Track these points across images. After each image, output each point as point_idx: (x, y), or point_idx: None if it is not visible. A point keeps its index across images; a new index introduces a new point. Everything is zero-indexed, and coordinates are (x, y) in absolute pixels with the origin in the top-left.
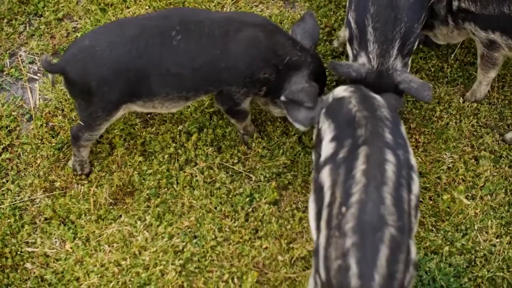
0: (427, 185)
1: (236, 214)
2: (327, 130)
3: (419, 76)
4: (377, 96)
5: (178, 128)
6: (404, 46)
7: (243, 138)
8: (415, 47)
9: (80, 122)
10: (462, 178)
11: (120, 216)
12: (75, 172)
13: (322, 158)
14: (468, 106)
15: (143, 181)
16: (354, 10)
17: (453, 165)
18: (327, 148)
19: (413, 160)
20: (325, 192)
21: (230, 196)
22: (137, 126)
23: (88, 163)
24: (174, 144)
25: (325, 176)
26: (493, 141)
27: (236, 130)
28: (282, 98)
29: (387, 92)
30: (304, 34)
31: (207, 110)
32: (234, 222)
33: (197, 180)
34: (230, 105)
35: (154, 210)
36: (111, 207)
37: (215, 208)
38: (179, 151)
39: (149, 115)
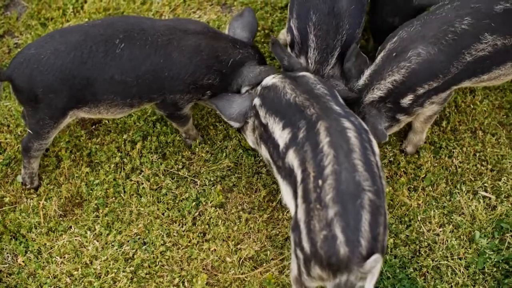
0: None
1: (184, 219)
2: (274, 124)
3: None
4: (305, 73)
5: (123, 138)
6: (344, 53)
7: (185, 142)
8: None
9: (29, 131)
10: (403, 170)
11: (70, 227)
12: (24, 186)
13: (282, 145)
14: None
15: (91, 191)
16: (296, 17)
17: (394, 159)
18: (283, 136)
19: (363, 123)
20: (296, 172)
21: (177, 202)
22: (82, 138)
23: (37, 176)
24: (119, 154)
25: (292, 158)
26: (432, 133)
27: (179, 136)
28: (243, 90)
29: None
30: (243, 27)
31: (150, 118)
32: (182, 227)
33: (143, 188)
34: (172, 110)
35: (103, 219)
36: (61, 219)
37: (163, 214)
38: (125, 160)
39: (93, 126)
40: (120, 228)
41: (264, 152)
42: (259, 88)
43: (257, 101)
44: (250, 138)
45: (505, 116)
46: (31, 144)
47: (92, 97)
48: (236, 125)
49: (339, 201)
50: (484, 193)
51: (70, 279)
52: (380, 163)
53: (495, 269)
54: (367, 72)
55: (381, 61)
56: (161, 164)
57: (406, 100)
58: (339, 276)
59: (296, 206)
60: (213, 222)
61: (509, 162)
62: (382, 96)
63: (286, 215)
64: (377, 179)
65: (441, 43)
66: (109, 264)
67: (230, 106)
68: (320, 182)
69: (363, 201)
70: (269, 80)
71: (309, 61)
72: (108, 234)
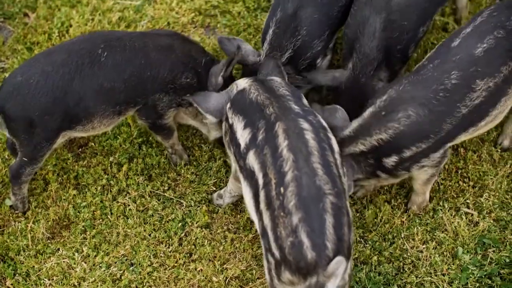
0: (354, 199)
1: (170, 240)
2: (237, 123)
3: None
4: (274, 77)
5: (109, 160)
6: (298, 59)
7: (171, 158)
8: (318, 64)
9: (23, 158)
10: (386, 189)
11: (58, 249)
12: (13, 211)
13: (242, 145)
14: None
15: (78, 213)
16: (270, 10)
17: None
18: (243, 135)
19: (323, 120)
20: (257, 175)
21: (163, 223)
22: (69, 161)
23: (27, 199)
24: (106, 176)
25: (252, 160)
26: None
27: (165, 157)
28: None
29: None
30: None
31: (136, 140)
32: (169, 247)
33: (130, 209)
34: (154, 118)
35: (91, 241)
36: (48, 241)
37: (149, 235)
38: (111, 182)
39: (80, 149)
40: (107, 249)
41: (229, 152)
42: (235, 89)
43: (228, 105)
44: (225, 144)
45: (486, 133)
46: (23, 170)
47: (85, 112)
48: (212, 119)
49: (302, 207)
50: (466, 210)
51: None
52: (340, 160)
53: (478, 284)
54: (354, 125)
55: (369, 117)
56: (147, 185)
57: (390, 161)
58: (309, 279)
59: (260, 212)
60: (199, 243)
61: (491, 179)
62: (364, 151)
63: None
64: (337, 180)
65: (432, 103)
66: (97, 286)
67: (207, 100)
68: (282, 189)
69: (325, 205)
70: (242, 83)
71: (262, 53)
72: (95, 256)
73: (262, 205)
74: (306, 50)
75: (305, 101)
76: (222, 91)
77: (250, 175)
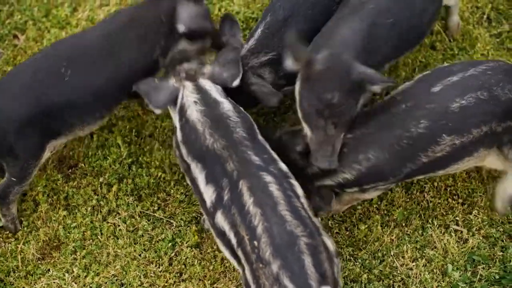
0: (343, 217)
1: (160, 260)
2: (197, 171)
3: None
4: (230, 112)
5: (99, 181)
6: (280, 64)
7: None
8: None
9: (11, 178)
10: (376, 207)
11: (49, 270)
12: (3, 231)
13: (208, 203)
14: None
15: (68, 234)
16: (261, 16)
17: None
18: (208, 193)
19: (283, 165)
20: (228, 235)
21: (153, 243)
22: (59, 182)
23: (17, 219)
24: (96, 196)
25: (222, 221)
26: None
27: (155, 178)
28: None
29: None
30: None
31: (125, 161)
32: (159, 267)
33: (120, 230)
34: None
35: (81, 262)
36: (39, 262)
37: (140, 255)
38: (101, 202)
39: (70, 170)
40: (97, 270)
41: (189, 182)
42: (181, 97)
43: (179, 135)
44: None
45: None
46: (11, 189)
47: (64, 125)
48: (158, 111)
49: (278, 255)
50: (455, 227)
51: None
52: (307, 203)
53: None
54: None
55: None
56: (137, 206)
57: (351, 190)
58: None
59: (242, 266)
60: (189, 262)
61: (479, 196)
62: (332, 185)
63: None
64: (307, 221)
65: (394, 149)
66: None
67: (153, 91)
68: (255, 243)
69: (300, 247)
70: (190, 107)
71: (245, 46)
72: (86, 276)
73: (243, 261)
74: None
75: (260, 138)
76: (164, 81)
77: (221, 234)
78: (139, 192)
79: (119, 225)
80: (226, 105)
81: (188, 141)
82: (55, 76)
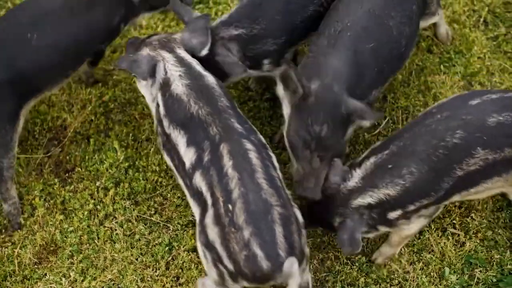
0: None
1: (157, 264)
2: (178, 137)
3: None
4: (213, 84)
5: (96, 185)
6: (248, 44)
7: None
8: (265, 64)
9: None
10: None
11: (45, 274)
12: (13, 222)
13: (188, 165)
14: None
15: (65, 238)
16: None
17: None
18: (188, 154)
19: (262, 137)
20: (205, 196)
21: (150, 247)
22: (55, 186)
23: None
24: (92, 201)
25: (200, 181)
26: None
27: (151, 182)
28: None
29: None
30: None
31: (122, 165)
32: (156, 271)
33: (117, 234)
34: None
35: (78, 266)
36: (35, 266)
37: (136, 259)
38: (98, 206)
39: (67, 174)
40: (94, 274)
41: (166, 159)
42: (161, 73)
43: (162, 110)
44: (160, 147)
45: None
46: (1, 164)
47: (34, 88)
48: (144, 82)
49: (251, 222)
50: (453, 230)
51: None
52: (282, 176)
53: None
54: (357, 175)
55: (374, 168)
56: (133, 210)
57: (394, 215)
58: (267, 284)
59: (206, 226)
60: (186, 266)
61: (477, 199)
62: (372, 204)
63: None
64: (282, 192)
65: (431, 160)
66: None
67: (135, 64)
68: (230, 206)
69: (273, 216)
70: (174, 82)
71: (218, 19)
72: (83, 281)
73: (210, 220)
74: (258, 41)
75: (239, 110)
76: (143, 53)
77: (197, 194)
78: (136, 196)
79: (116, 229)
80: (210, 78)
81: (170, 112)
82: (22, 42)
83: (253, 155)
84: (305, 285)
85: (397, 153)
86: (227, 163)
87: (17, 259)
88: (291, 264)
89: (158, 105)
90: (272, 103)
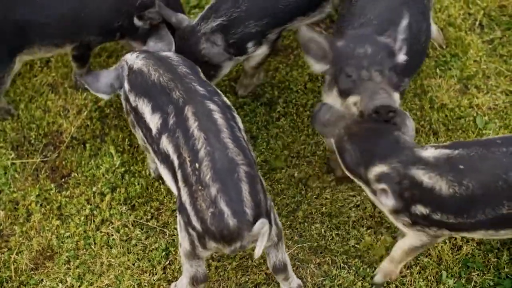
0: (337, 224)
1: (154, 269)
2: (143, 106)
3: None
4: (169, 54)
5: (92, 190)
6: (229, 31)
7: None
8: (249, 48)
9: None
10: (370, 214)
11: (42, 280)
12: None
13: (154, 130)
14: None
15: (61, 244)
16: None
17: (361, 203)
18: (153, 120)
19: (226, 99)
20: (172, 158)
21: (147, 252)
22: (52, 191)
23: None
24: (89, 206)
25: (166, 144)
26: None
27: (147, 186)
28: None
29: (193, 56)
30: None
31: (118, 170)
32: (153, 276)
33: (113, 239)
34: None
35: (75, 271)
36: (32, 272)
37: (133, 264)
38: (95, 212)
39: (63, 179)
40: (91, 279)
41: (138, 136)
42: (125, 67)
43: (126, 86)
44: (129, 123)
45: None
46: None
47: (26, 41)
48: (105, 97)
49: (218, 179)
50: None
51: None
52: (246, 137)
53: None
54: (431, 152)
55: (447, 159)
56: (130, 215)
57: (421, 210)
58: (234, 244)
59: (178, 189)
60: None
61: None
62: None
63: (255, 262)
64: (247, 152)
65: (488, 185)
66: None
67: (97, 80)
68: (197, 165)
69: (239, 174)
70: (134, 62)
71: (198, 16)
72: (79, 286)
73: (180, 183)
74: (239, 25)
75: (202, 75)
76: (110, 68)
77: (165, 158)
78: (132, 201)
79: (112, 235)
80: (167, 51)
81: (134, 85)
82: None
83: (217, 116)
84: (280, 266)
85: (468, 160)
86: (193, 124)
87: (13, 265)
88: (262, 225)
89: (124, 86)
90: (268, 108)
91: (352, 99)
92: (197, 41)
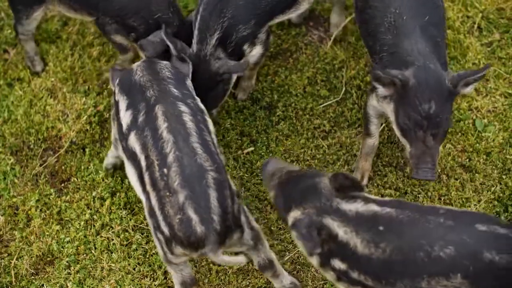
0: None
1: (155, 273)
2: (121, 102)
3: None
4: (163, 62)
5: (92, 195)
6: (226, 41)
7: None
8: (245, 50)
9: (14, 19)
10: None
11: (42, 285)
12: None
13: (124, 126)
14: None
15: (62, 249)
16: None
17: None
18: (125, 117)
19: (201, 104)
20: (139, 157)
21: (147, 256)
22: (51, 196)
23: (39, 61)
24: (89, 211)
25: (134, 141)
26: (397, 179)
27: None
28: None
29: (210, 79)
30: None
31: (118, 174)
32: (154, 281)
33: (114, 244)
34: (103, 30)
35: (75, 276)
36: (32, 277)
37: (134, 269)
38: (95, 216)
39: (62, 184)
40: (92, 284)
41: (113, 130)
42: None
43: (117, 81)
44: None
45: (467, 160)
46: (16, 28)
47: None
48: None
49: (186, 186)
50: None
51: None
52: (216, 140)
53: None
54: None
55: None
56: (130, 219)
57: (337, 264)
58: (200, 250)
59: (147, 193)
60: None
61: (474, 205)
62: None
63: (256, 266)
64: (216, 157)
65: (406, 252)
66: None
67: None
68: (165, 170)
69: (207, 180)
70: (135, 64)
71: (193, 41)
72: None
73: (148, 187)
74: (232, 32)
75: (188, 84)
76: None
77: (132, 156)
78: (132, 205)
79: (112, 239)
80: (161, 60)
81: (121, 81)
82: None
83: (187, 118)
84: (265, 263)
85: (393, 222)
86: (162, 125)
87: (13, 270)
88: (237, 261)
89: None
90: (267, 112)
91: None
92: (208, 65)
